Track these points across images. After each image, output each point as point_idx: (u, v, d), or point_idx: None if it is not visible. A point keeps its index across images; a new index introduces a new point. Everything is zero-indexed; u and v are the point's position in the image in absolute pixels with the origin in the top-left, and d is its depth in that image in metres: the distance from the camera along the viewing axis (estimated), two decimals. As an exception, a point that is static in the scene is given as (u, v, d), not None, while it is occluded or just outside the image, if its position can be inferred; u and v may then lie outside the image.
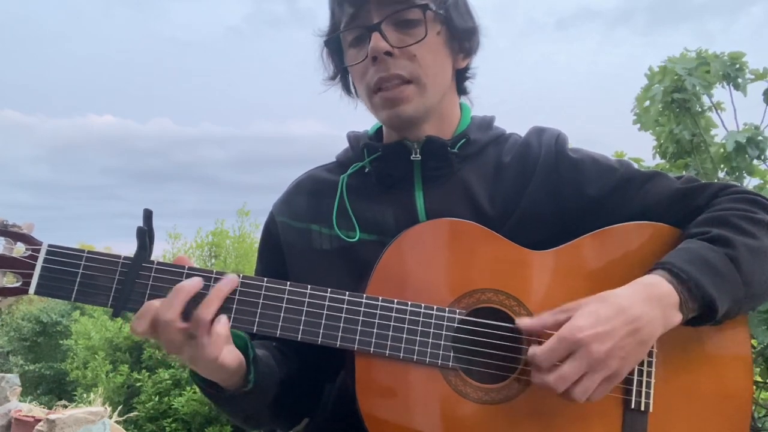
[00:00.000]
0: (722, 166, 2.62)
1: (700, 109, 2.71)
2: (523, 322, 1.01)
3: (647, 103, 2.76)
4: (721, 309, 0.99)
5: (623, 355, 0.94)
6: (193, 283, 0.95)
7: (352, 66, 1.15)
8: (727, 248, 1.01)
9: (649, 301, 0.96)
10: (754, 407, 2.57)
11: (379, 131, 1.26)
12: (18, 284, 0.98)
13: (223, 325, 0.94)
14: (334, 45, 1.19)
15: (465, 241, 1.07)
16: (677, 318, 0.98)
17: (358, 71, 1.14)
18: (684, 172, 2.66)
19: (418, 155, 1.15)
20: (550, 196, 1.13)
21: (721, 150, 2.60)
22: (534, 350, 0.95)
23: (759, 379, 2.57)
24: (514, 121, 1.29)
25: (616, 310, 0.95)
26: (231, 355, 0.96)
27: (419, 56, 1.09)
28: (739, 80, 2.64)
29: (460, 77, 1.22)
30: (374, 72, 1.10)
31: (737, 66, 2.64)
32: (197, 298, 0.94)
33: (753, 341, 2.31)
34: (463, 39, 1.16)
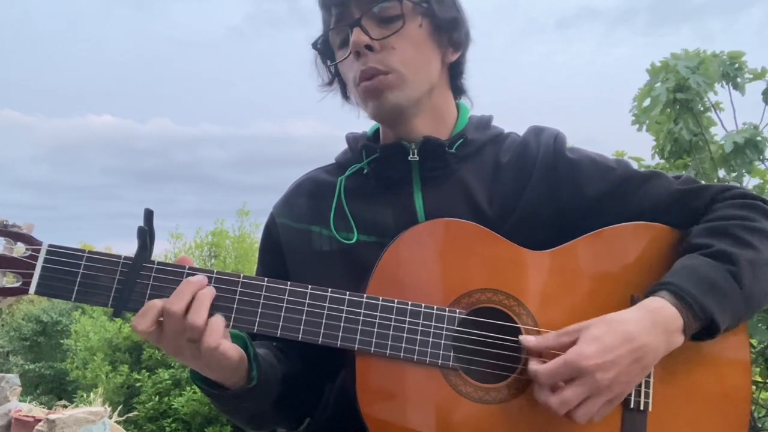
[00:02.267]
0: (720, 167, 2.61)
1: (702, 108, 2.69)
2: (528, 340, 1.01)
3: (647, 101, 2.73)
4: (722, 328, 1.00)
5: (626, 380, 0.95)
6: (200, 279, 0.97)
7: (341, 64, 1.16)
8: (730, 264, 1.02)
9: (655, 328, 0.97)
10: (754, 407, 2.56)
11: (377, 132, 1.26)
12: (18, 284, 0.98)
13: (218, 317, 0.96)
14: (324, 49, 1.20)
15: (464, 241, 1.07)
16: (680, 340, 0.99)
17: (346, 69, 1.16)
18: (683, 172, 2.64)
19: (415, 156, 1.15)
20: (548, 196, 1.13)
21: (720, 151, 2.58)
22: (536, 368, 0.96)
23: (759, 379, 2.57)
24: (514, 121, 1.29)
25: (622, 338, 0.95)
26: (232, 350, 0.97)
27: (399, 49, 1.10)
28: (738, 80, 2.62)
29: (453, 73, 1.22)
30: (357, 66, 1.11)
31: (736, 65, 2.62)
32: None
33: (753, 341, 2.31)
34: (449, 30, 1.16)
